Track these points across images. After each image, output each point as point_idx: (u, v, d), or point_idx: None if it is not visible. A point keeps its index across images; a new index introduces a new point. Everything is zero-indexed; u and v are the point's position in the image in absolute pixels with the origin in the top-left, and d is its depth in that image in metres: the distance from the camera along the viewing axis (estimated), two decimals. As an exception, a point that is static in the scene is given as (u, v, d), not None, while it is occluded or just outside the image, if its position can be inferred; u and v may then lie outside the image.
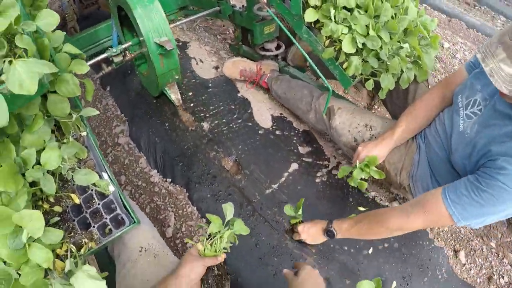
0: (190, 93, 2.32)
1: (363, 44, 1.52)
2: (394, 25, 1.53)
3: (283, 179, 1.93)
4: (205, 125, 2.15)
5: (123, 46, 1.83)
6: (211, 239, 1.12)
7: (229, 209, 1.13)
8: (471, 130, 1.28)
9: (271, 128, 2.17)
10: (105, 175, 1.20)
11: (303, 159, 2.02)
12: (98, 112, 1.16)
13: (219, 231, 1.12)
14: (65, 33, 1.28)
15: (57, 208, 1.15)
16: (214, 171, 1.95)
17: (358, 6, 1.58)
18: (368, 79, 1.62)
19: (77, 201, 1.15)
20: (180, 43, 2.70)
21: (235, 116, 2.22)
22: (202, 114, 2.21)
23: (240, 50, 2.50)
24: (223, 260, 1.14)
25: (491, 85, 1.24)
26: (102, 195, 1.19)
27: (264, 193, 1.87)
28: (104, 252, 1.42)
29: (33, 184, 1.06)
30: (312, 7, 1.59)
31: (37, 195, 1.14)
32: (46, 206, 1.15)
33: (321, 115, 1.79)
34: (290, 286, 1.14)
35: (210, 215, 1.12)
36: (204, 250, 1.11)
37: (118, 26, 2.01)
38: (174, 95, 2.08)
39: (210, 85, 2.40)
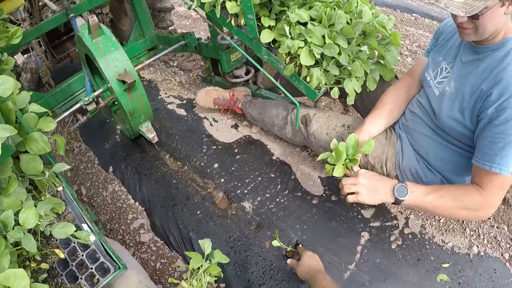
0: (216, 165, 2.05)
1: (322, 54, 1.55)
2: (350, 30, 1.56)
3: (357, 255, 1.62)
4: (247, 206, 1.82)
5: (95, 93, 1.86)
6: (194, 276, 1.12)
7: (206, 243, 1.16)
8: (450, 87, 1.33)
9: (324, 194, 1.84)
10: (84, 226, 1.21)
11: (371, 224, 1.70)
12: (69, 167, 1.18)
13: (201, 266, 1.12)
14: (32, 92, 1.32)
15: (44, 265, 1.16)
16: (276, 264, 1.60)
17: (312, 19, 1.62)
18: (333, 88, 1.64)
19: (61, 255, 1.16)
20: (184, 101, 2.59)
21: (278, 187, 1.89)
22: (239, 192, 1.89)
23: (212, 81, 2.55)
24: None
25: (450, 50, 1.41)
26: (85, 246, 1.19)
27: (343, 278, 1.56)
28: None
29: (16, 244, 1.08)
30: (267, 27, 1.63)
31: (23, 255, 1.15)
32: (33, 264, 1.16)
33: (297, 126, 1.82)
34: (296, 271, 1.38)
35: (189, 252, 1.13)
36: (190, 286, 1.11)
37: (89, 74, 2.05)
38: (150, 134, 2.03)
39: (236, 150, 2.14)
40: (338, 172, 1.34)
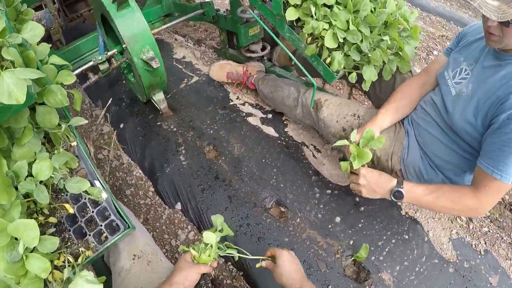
0: (338, 219, 1.72)
1: (344, 38, 1.55)
2: (373, 18, 1.56)
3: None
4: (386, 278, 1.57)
5: (109, 53, 1.83)
6: (206, 249, 1.13)
7: (219, 219, 1.20)
8: (467, 89, 1.33)
9: (457, 260, 1.63)
10: (97, 183, 1.21)
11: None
12: (86, 121, 1.17)
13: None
14: (50, 45, 1.30)
15: (52, 219, 1.16)
16: None
17: (337, 3, 1.60)
18: (351, 73, 1.65)
19: (71, 210, 1.16)
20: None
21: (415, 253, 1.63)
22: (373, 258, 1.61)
23: (226, 54, 2.53)
24: (216, 266, 1.15)
25: (473, 52, 1.40)
26: (96, 203, 1.20)
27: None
28: (101, 262, 1.42)
29: (26, 196, 1.07)
30: (293, 6, 1.61)
31: (31, 208, 1.15)
32: (41, 218, 1.16)
33: (308, 109, 1.82)
34: (274, 274, 1.16)
35: (206, 231, 1.14)
36: (200, 255, 1.12)
37: (104, 34, 2.02)
38: (162, 104, 2.10)
39: (358, 199, 1.79)
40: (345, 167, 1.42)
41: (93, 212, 1.18)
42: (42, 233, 1.14)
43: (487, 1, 1.09)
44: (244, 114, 2.23)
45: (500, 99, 1.19)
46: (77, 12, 2.75)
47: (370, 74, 1.62)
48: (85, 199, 1.19)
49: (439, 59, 1.62)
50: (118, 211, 1.20)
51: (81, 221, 1.18)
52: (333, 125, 1.72)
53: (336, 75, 1.64)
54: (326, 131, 1.76)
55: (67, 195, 1.20)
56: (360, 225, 1.70)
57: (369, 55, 1.57)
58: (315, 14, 1.57)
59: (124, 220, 1.19)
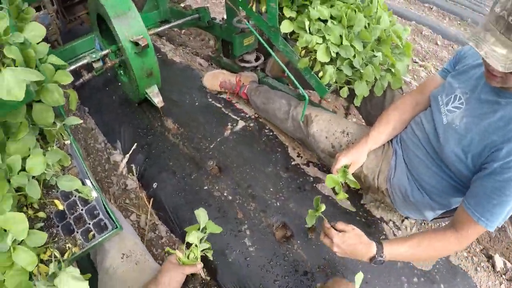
0: None
1: (337, 53, 1.59)
2: (367, 34, 1.60)
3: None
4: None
5: (103, 52, 1.86)
6: (190, 249, 1.16)
7: (202, 215, 1.18)
8: (460, 122, 1.30)
9: None
10: (88, 182, 1.23)
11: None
12: (81, 121, 1.20)
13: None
14: (49, 45, 1.32)
15: (41, 214, 1.18)
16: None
17: (332, 17, 1.65)
18: (343, 87, 1.69)
19: (60, 207, 1.18)
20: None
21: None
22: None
23: (220, 62, 2.57)
24: (201, 267, 1.17)
25: (469, 80, 1.35)
26: (85, 201, 1.22)
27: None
28: (87, 259, 1.44)
29: (18, 190, 1.09)
30: (288, 18, 1.66)
31: (21, 202, 1.17)
32: (30, 212, 1.18)
33: (299, 123, 1.85)
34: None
35: (188, 228, 1.16)
36: (188, 257, 1.14)
37: (98, 34, 2.05)
38: (156, 98, 2.01)
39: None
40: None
41: (82, 210, 1.20)
42: (31, 227, 1.15)
43: (495, 49, 1.02)
44: (311, 179, 1.90)
45: (495, 145, 1.17)
46: (75, 14, 2.78)
47: (362, 90, 1.66)
48: (75, 196, 1.21)
49: (434, 78, 1.58)
50: (107, 211, 1.22)
51: (69, 217, 1.19)
52: (322, 141, 1.74)
53: (328, 89, 1.68)
54: (316, 146, 1.79)
55: (57, 191, 1.22)
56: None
57: (361, 71, 1.62)
58: (309, 28, 1.61)
59: (113, 220, 1.20)
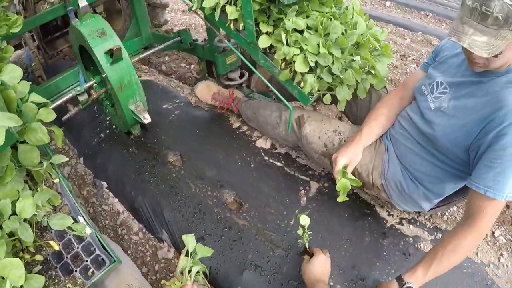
0: None
1: (316, 62, 1.61)
2: (344, 41, 1.62)
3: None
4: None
5: (88, 84, 1.86)
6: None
7: (190, 240, 1.17)
8: (448, 104, 1.36)
9: None
10: (80, 219, 1.22)
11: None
12: (67, 159, 1.19)
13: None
14: (30, 83, 1.32)
15: (38, 257, 1.17)
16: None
17: (308, 27, 1.67)
18: (325, 94, 1.70)
19: (56, 247, 1.17)
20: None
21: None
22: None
23: (206, 82, 2.57)
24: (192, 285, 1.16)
25: (449, 69, 1.43)
26: (80, 239, 1.21)
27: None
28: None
29: (11, 235, 1.08)
30: (265, 33, 1.68)
31: (17, 247, 1.16)
32: (27, 256, 1.17)
33: (291, 126, 1.85)
34: (302, 266, 1.39)
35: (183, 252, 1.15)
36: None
37: (82, 66, 2.05)
38: (142, 114, 1.86)
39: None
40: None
41: (78, 248, 1.19)
42: (29, 271, 1.15)
43: (475, 38, 1.09)
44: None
45: (485, 117, 1.21)
46: (57, 49, 2.79)
47: (343, 94, 1.68)
48: (69, 235, 1.21)
49: (416, 73, 1.66)
50: (102, 245, 1.21)
51: (66, 257, 1.18)
52: (315, 141, 1.75)
53: (311, 97, 1.70)
54: (309, 147, 1.80)
55: (51, 232, 1.21)
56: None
57: (341, 76, 1.63)
58: (287, 40, 1.63)
59: (109, 253, 1.20)
